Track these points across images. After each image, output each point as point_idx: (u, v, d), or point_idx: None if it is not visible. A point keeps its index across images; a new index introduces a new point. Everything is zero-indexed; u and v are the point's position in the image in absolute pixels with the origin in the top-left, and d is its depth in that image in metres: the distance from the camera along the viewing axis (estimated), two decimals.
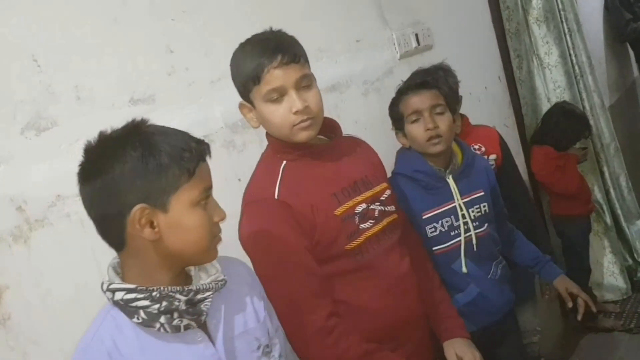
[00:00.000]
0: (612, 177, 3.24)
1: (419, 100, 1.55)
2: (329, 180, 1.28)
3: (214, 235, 0.98)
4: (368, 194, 1.32)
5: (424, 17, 2.31)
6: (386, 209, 1.36)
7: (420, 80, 1.63)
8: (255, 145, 1.50)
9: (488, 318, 1.68)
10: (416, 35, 2.23)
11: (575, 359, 2.80)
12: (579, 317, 1.78)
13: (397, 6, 2.20)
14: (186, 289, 0.95)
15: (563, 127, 2.71)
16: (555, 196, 2.85)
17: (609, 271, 3.17)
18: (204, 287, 0.97)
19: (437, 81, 1.65)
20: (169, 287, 0.93)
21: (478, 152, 1.97)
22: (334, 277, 1.29)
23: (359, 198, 1.30)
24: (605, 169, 3.20)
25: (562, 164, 2.74)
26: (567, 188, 2.75)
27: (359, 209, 1.29)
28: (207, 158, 0.97)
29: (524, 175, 2.78)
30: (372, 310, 1.32)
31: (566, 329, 3.01)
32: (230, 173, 1.49)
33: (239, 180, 1.48)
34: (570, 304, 1.78)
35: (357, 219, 1.28)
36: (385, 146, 2.04)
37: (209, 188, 0.97)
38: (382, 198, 1.35)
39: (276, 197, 1.24)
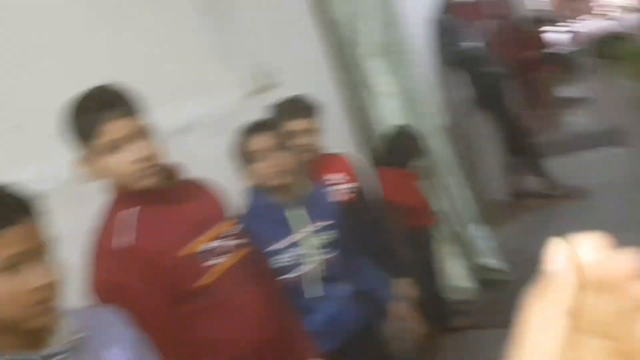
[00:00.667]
0: (449, 190, 3.61)
1: (262, 140, 1.66)
2: (175, 223, 1.34)
3: (33, 303, 0.91)
4: (213, 232, 1.40)
5: (266, 57, 2.46)
6: (234, 244, 1.44)
7: (262, 122, 1.76)
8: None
9: (345, 335, 1.81)
10: (260, 75, 2.37)
11: None
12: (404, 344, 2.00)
13: (240, 49, 2.32)
14: (39, 355, 0.93)
15: (402, 149, 2.98)
16: (400, 212, 3.11)
17: (456, 274, 3.50)
18: (56, 350, 0.94)
19: (275, 122, 1.78)
20: (19, 354, 0.91)
21: (337, 183, 2.10)
22: (194, 315, 1.35)
23: (204, 237, 1.37)
24: (442, 183, 3.56)
25: (405, 182, 3.01)
26: (411, 204, 3.02)
27: (205, 247, 1.36)
28: (22, 221, 0.91)
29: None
30: (235, 342, 1.40)
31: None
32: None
33: None
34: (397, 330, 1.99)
35: (203, 257, 1.35)
36: (236, 184, 2.12)
37: (16, 255, 0.89)
38: (228, 235, 1.44)
39: (134, 242, 1.27)
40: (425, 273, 3.18)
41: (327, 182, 2.08)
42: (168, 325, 1.29)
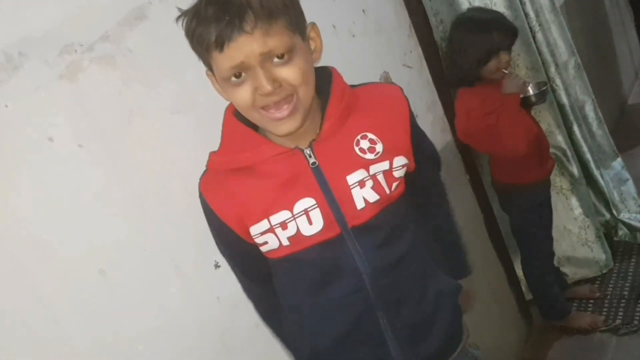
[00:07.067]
0: (574, 108, 2.32)
1: None
2: None
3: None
4: None
5: None
6: None
7: None
8: None
9: None
10: None
11: None
12: None
13: None
14: None
15: (468, 43, 1.75)
16: (497, 158, 1.94)
17: (580, 239, 2.32)
18: None
19: None
20: None
21: (371, 152, 0.99)
22: None
23: None
24: (564, 99, 2.27)
25: (495, 111, 1.78)
26: (511, 149, 1.80)
27: None
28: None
29: (447, 136, 1.86)
30: None
31: (529, 334, 2.19)
32: None
33: None
34: None
35: None
36: None
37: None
38: None
39: None
40: (533, 246, 2.04)
41: None
42: None
